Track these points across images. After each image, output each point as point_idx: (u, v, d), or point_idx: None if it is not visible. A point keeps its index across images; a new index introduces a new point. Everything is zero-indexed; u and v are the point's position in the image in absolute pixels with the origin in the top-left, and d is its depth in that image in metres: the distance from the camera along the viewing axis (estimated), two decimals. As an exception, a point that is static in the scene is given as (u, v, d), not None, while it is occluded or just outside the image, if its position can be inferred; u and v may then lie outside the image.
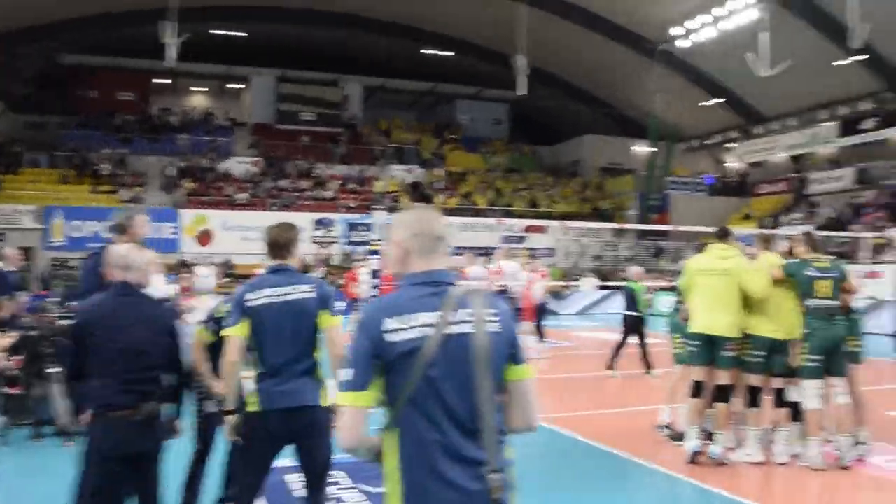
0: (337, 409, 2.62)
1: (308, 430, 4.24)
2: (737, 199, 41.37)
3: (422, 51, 38.93)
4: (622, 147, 43.31)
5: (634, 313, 12.49)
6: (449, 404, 2.49)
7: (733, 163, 43.18)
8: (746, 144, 40.50)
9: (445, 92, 45.05)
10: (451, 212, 33.30)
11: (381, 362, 2.50)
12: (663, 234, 35.46)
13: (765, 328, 6.96)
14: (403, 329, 2.50)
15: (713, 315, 7.05)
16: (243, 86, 42.29)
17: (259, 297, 4.25)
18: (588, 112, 44.59)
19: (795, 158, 40.01)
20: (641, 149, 40.73)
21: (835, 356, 6.87)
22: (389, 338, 2.49)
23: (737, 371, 7.13)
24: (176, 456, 4.67)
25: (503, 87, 38.14)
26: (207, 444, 5.34)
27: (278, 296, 4.25)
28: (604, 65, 38.87)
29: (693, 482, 6.49)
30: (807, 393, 6.81)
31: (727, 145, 42.68)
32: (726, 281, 7.02)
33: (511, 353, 2.65)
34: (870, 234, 24.49)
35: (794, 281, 6.99)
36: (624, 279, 14.06)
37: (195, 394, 5.23)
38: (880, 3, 26.23)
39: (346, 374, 2.54)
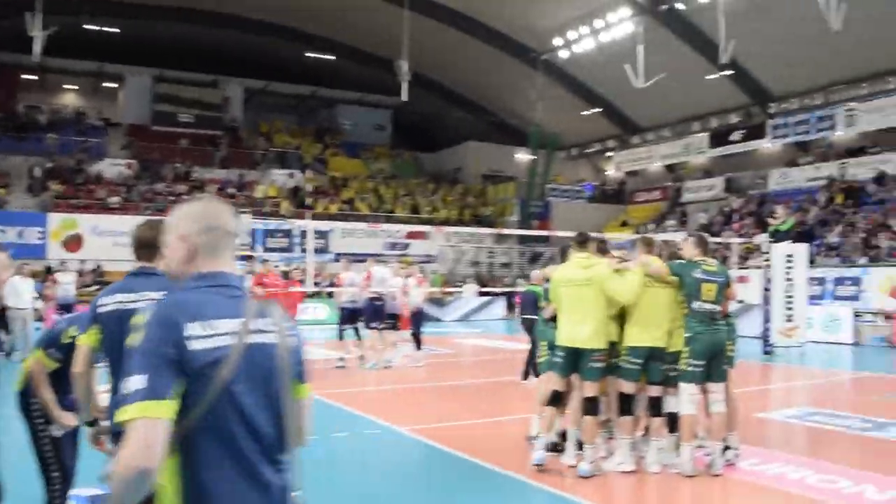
0: (126, 425, 2.01)
1: None
2: (615, 207, 42.41)
3: (305, 54, 38.30)
4: (504, 154, 43.76)
5: (535, 317, 12.39)
6: (252, 423, 2.17)
7: (612, 171, 44.24)
8: (624, 154, 41.64)
9: (328, 96, 44.48)
10: (332, 217, 32.93)
11: (181, 372, 2.09)
12: (544, 241, 36.02)
13: (642, 337, 6.76)
14: (207, 336, 2.13)
15: (576, 327, 6.81)
16: (118, 85, 40.63)
17: (109, 304, 3.83)
18: (470, 119, 44.88)
19: (670, 168, 41.40)
20: (523, 156, 41.24)
21: (716, 361, 6.82)
22: (192, 345, 2.11)
23: (604, 382, 6.99)
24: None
25: (386, 93, 38.01)
26: (66, 469, 4.86)
27: (127, 302, 3.80)
28: (486, 72, 39.21)
29: (559, 494, 6.27)
30: (682, 397, 6.71)
31: (607, 154, 43.72)
32: (588, 290, 6.79)
33: (300, 371, 2.39)
34: (739, 240, 25.45)
35: (680, 282, 6.87)
36: (506, 285, 14.08)
37: (33, 419, 4.78)
38: (746, 21, 27.37)
39: (136, 381, 2.03)
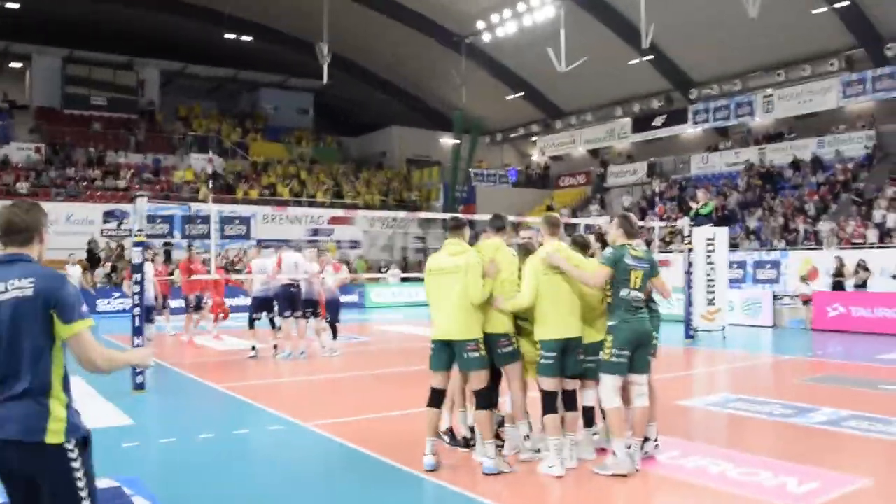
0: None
1: (22, 472, 3.30)
2: (540, 191, 42.44)
3: (223, 35, 37.23)
4: (429, 139, 43.52)
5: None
6: None
7: (536, 156, 44.28)
8: (548, 138, 41.70)
9: (249, 79, 43.48)
10: (253, 203, 32.14)
11: None
12: (472, 225, 35.77)
13: (552, 329, 6.27)
14: None
15: (444, 319, 6.39)
16: (23, 65, 38.90)
17: None
18: (395, 103, 44.40)
19: (594, 152, 41.61)
20: (448, 141, 40.93)
21: (640, 351, 6.38)
22: None
23: (488, 373, 6.44)
24: None
25: (309, 76, 37.23)
26: None
27: None
28: (410, 56, 38.78)
29: (462, 493, 5.85)
30: (607, 390, 6.28)
31: (531, 139, 43.72)
32: (457, 279, 6.33)
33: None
34: (662, 224, 25.62)
35: (614, 270, 6.34)
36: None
37: None
38: (667, 6, 27.51)
39: None
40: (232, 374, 12.44)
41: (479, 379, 6.35)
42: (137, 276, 10.06)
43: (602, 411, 6.58)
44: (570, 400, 6.55)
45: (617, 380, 6.31)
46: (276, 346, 14.09)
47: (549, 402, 6.30)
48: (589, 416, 6.81)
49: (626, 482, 6.04)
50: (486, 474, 6.20)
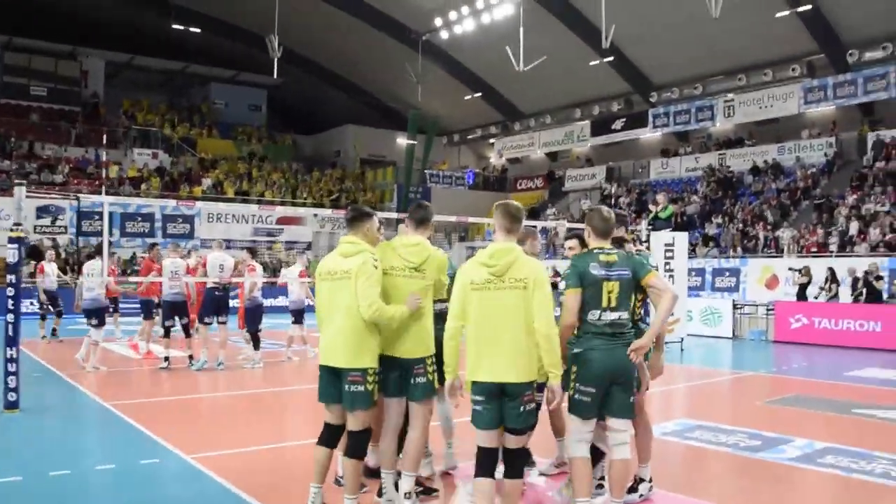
0: None
1: None
2: (497, 194, 41.47)
3: (172, 25, 35.69)
4: (385, 138, 42.43)
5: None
6: None
7: (494, 158, 43.43)
8: (506, 140, 40.85)
9: (199, 73, 41.98)
10: (200, 201, 30.84)
11: None
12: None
13: (480, 367, 4.60)
14: None
15: (329, 339, 5.08)
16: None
17: None
18: (351, 101, 43.24)
19: (552, 155, 40.85)
20: (403, 141, 39.84)
21: (616, 390, 4.90)
22: None
23: (373, 413, 5.12)
24: None
25: (262, 72, 35.88)
26: None
27: None
28: (366, 53, 37.65)
29: None
30: (569, 434, 4.98)
31: (489, 140, 42.84)
32: (346, 288, 5.01)
33: None
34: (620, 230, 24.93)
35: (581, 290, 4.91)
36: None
37: None
38: (627, 7, 26.82)
39: None
40: (129, 390, 11.15)
41: (357, 420, 5.01)
42: (11, 278, 8.71)
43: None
44: (510, 462, 4.75)
45: (583, 423, 4.92)
46: (190, 357, 12.97)
47: (482, 462, 4.65)
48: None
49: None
50: None
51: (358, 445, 5.04)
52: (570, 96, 35.88)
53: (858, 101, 27.55)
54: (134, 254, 28.90)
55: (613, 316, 4.89)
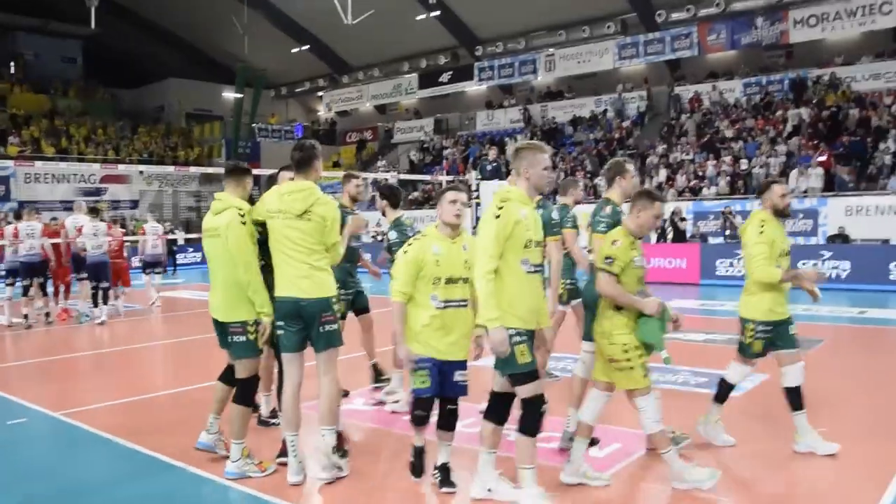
0: None
1: None
2: (326, 147, 41.59)
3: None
4: (210, 92, 41.42)
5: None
6: None
7: (322, 111, 43.37)
8: (334, 93, 40.90)
9: (4, 22, 39.22)
10: (13, 160, 29.22)
11: None
12: (255, 183, 34.40)
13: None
14: None
15: (211, 292, 5.40)
16: None
17: None
18: (173, 54, 41.87)
19: (381, 108, 41.29)
20: (230, 95, 39.08)
21: None
22: None
23: (257, 362, 5.34)
24: None
25: (76, 22, 34.10)
26: None
27: None
28: (189, 3, 36.46)
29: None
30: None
31: (318, 94, 42.70)
32: (216, 244, 5.24)
33: None
34: (448, 178, 25.87)
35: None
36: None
37: None
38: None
39: None
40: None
41: (242, 368, 5.28)
42: None
43: None
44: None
45: None
46: (48, 314, 13.77)
47: (498, 409, 4.83)
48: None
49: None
50: (228, 478, 5.23)
51: (244, 393, 5.29)
52: (397, 50, 36.32)
53: (666, 58, 29.60)
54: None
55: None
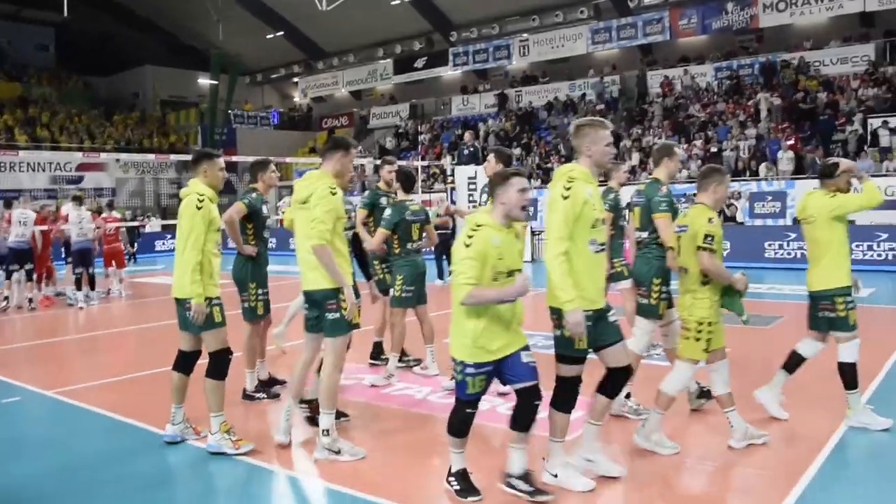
0: None
1: None
2: (302, 133, 41.75)
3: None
4: (185, 79, 41.27)
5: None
6: None
7: (298, 97, 43.39)
8: (310, 79, 40.96)
9: (-27, 9, 38.94)
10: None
11: None
12: (232, 169, 34.47)
13: None
14: None
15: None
16: None
17: None
18: (147, 40, 41.61)
19: (356, 94, 41.38)
20: (205, 81, 38.98)
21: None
22: None
23: (223, 333, 5.48)
24: None
25: (48, 8, 33.88)
26: None
27: None
28: (162, -11, 36.33)
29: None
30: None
31: (293, 80, 42.70)
32: (178, 226, 5.53)
33: None
34: (424, 163, 26.22)
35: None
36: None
37: None
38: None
39: None
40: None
41: (209, 341, 5.49)
42: None
43: None
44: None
45: None
46: (30, 300, 14.10)
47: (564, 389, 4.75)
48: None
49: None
50: (210, 452, 5.44)
51: (216, 366, 5.47)
52: (372, 35, 36.40)
53: (639, 42, 29.99)
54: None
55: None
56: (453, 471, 4.53)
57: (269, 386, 7.10)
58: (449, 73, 36.10)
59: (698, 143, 24.90)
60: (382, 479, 4.95)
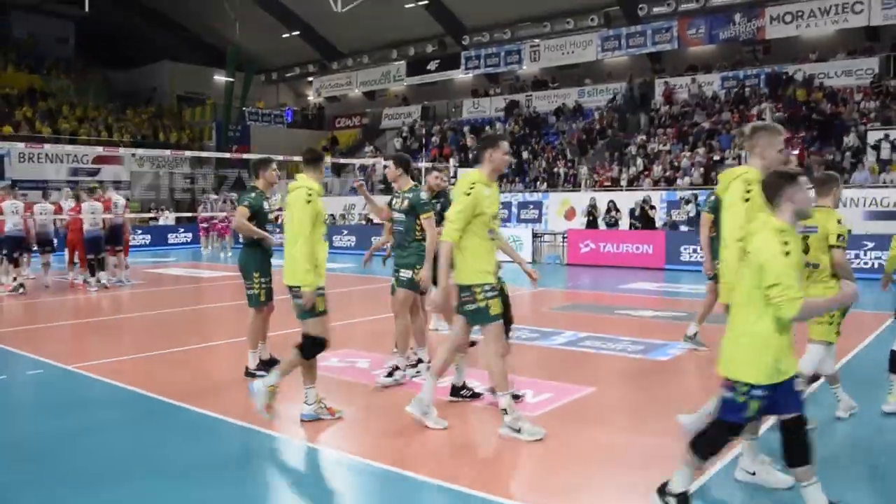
0: None
1: None
2: (316, 132, 42.32)
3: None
4: (203, 76, 41.79)
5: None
6: None
7: (312, 97, 43.98)
8: (324, 79, 41.55)
9: (-2, 1, 39.64)
10: (6, 140, 29.83)
11: None
12: (244, 165, 35.02)
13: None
14: None
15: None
16: None
17: None
18: (167, 36, 42.25)
19: (370, 94, 41.97)
20: (221, 78, 39.62)
21: None
22: None
23: (325, 322, 5.89)
24: None
25: (70, 2, 34.55)
26: None
27: None
28: (183, -13, 36.98)
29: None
30: None
31: (308, 79, 43.32)
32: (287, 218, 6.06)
33: None
34: (429, 164, 26.66)
35: None
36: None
37: None
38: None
39: None
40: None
41: (311, 326, 5.90)
42: None
43: None
44: None
45: None
46: (22, 285, 14.64)
47: None
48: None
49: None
50: (303, 420, 5.93)
51: (308, 348, 5.85)
52: (386, 37, 36.99)
53: (647, 50, 30.47)
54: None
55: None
56: (676, 492, 4.05)
57: (269, 365, 7.60)
58: (461, 76, 36.65)
59: (701, 150, 25.35)
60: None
